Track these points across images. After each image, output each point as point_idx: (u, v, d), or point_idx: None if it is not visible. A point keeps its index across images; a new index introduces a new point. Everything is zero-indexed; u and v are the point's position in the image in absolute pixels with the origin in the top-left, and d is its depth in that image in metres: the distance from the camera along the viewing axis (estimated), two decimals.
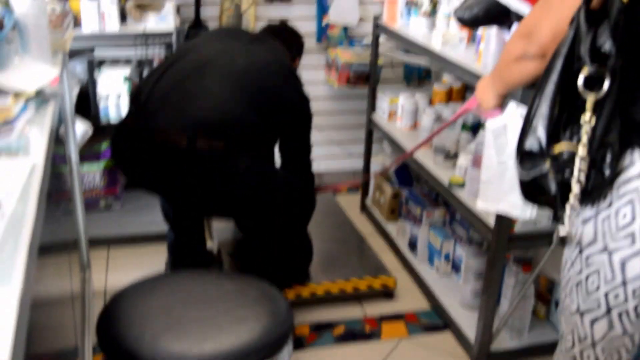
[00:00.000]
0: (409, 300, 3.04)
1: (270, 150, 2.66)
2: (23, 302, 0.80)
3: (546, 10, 1.44)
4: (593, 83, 1.27)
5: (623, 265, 1.32)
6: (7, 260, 0.87)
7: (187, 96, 2.38)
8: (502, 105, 1.86)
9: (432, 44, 2.85)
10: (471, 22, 2.24)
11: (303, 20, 3.78)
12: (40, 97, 1.51)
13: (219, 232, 3.28)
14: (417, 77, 4.00)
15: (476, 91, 1.93)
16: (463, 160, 2.70)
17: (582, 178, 1.29)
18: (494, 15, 2.19)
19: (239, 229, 3.05)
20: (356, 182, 3.77)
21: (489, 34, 2.41)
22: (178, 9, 3.36)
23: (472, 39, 2.82)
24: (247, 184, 2.42)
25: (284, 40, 2.79)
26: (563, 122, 1.32)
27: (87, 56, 3.16)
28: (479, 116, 1.95)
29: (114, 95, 3.24)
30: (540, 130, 1.33)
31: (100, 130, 3.15)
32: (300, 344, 2.67)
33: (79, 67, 3.22)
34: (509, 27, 2.20)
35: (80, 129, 2.68)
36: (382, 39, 3.50)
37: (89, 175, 3.45)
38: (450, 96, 3.35)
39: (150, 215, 3.45)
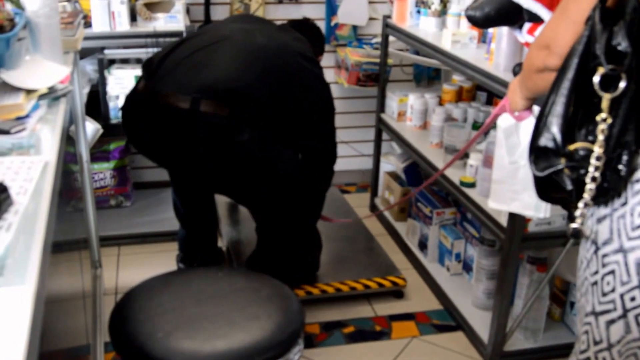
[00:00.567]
0: (420, 300, 3.03)
1: (282, 133, 2.55)
2: (37, 300, 0.79)
3: (564, 20, 1.40)
4: (609, 82, 1.25)
5: (639, 266, 1.30)
6: (21, 257, 0.87)
7: (198, 64, 2.34)
8: (531, 107, 1.84)
9: (442, 43, 2.84)
10: (482, 22, 2.22)
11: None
12: (52, 96, 1.51)
13: (228, 232, 3.29)
14: (427, 77, 3.99)
15: (508, 92, 1.90)
16: (474, 160, 2.69)
17: (597, 175, 1.27)
18: (505, 14, 2.18)
19: (252, 217, 2.97)
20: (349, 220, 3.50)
21: (500, 33, 2.40)
22: (188, 9, 3.37)
23: (482, 39, 2.81)
24: (248, 156, 2.35)
25: (306, 34, 2.76)
26: (578, 121, 1.30)
27: (97, 56, 3.17)
28: (512, 117, 1.93)
29: (124, 95, 3.23)
30: (554, 129, 1.31)
31: (111, 129, 3.15)
32: (310, 342, 2.67)
33: (89, 67, 3.23)
34: (520, 26, 2.19)
35: (91, 128, 2.69)
36: (392, 38, 3.49)
37: (100, 174, 3.46)
38: (460, 96, 3.34)
39: (160, 214, 3.45)
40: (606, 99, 1.25)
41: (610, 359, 1.43)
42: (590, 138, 1.28)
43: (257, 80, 2.33)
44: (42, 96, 1.48)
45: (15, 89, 1.42)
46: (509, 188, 1.95)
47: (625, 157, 1.27)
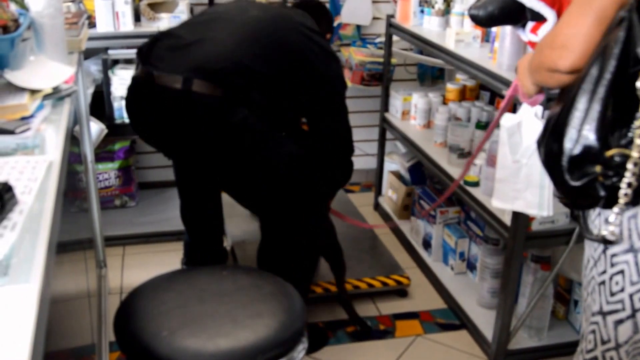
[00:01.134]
0: (423, 298, 3.03)
1: (284, 117, 2.43)
2: (42, 299, 0.80)
3: (586, 18, 1.30)
4: None
5: None
6: (26, 256, 0.87)
7: (192, 43, 2.26)
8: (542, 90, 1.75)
9: (445, 43, 2.84)
10: (486, 21, 2.22)
11: None
12: (56, 96, 1.51)
13: (232, 231, 3.29)
14: (431, 76, 3.99)
15: (517, 74, 1.82)
16: (478, 159, 2.69)
17: (634, 181, 1.23)
18: (508, 13, 2.17)
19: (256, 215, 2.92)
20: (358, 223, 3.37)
21: (504, 32, 2.40)
22: (191, 9, 3.37)
23: (486, 38, 2.82)
24: (243, 139, 2.22)
25: (312, 12, 2.59)
26: (612, 125, 1.26)
27: (101, 56, 3.18)
28: (523, 102, 1.88)
29: None
30: (591, 136, 1.25)
31: (115, 129, 3.16)
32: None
33: (94, 67, 3.24)
34: (524, 25, 2.19)
35: (95, 128, 2.69)
36: (396, 38, 3.49)
37: (104, 174, 3.47)
38: (463, 95, 3.34)
39: (165, 213, 3.46)
40: None
41: (618, 359, 1.42)
42: (623, 142, 1.24)
43: (253, 54, 2.21)
44: (46, 96, 1.48)
45: (20, 89, 1.43)
46: (512, 187, 1.95)
47: None
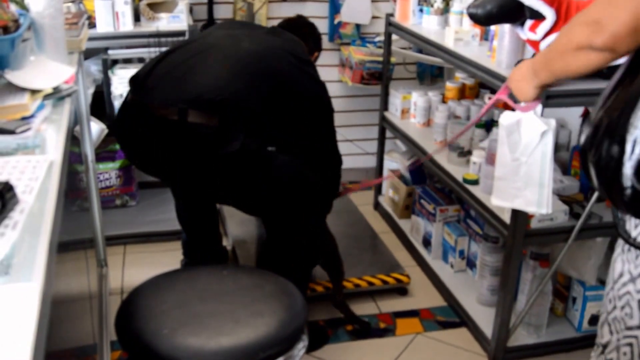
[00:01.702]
0: (423, 296, 3.04)
1: (279, 138, 2.48)
2: (44, 299, 0.80)
3: (626, 4, 1.24)
4: None
5: None
6: (28, 256, 0.87)
7: (186, 74, 2.29)
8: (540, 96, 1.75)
9: (444, 41, 2.85)
10: (484, 19, 2.23)
11: (315, 19, 3.75)
12: (57, 96, 1.52)
13: (233, 231, 3.29)
14: (430, 75, 4.00)
15: (509, 81, 1.80)
16: (477, 157, 2.70)
17: None
18: (507, 12, 2.18)
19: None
20: (369, 182, 3.71)
21: (502, 30, 2.40)
22: (191, 9, 3.38)
23: (485, 36, 2.82)
24: (240, 167, 2.27)
25: (300, 33, 2.70)
26: None
27: (101, 56, 3.18)
28: (512, 107, 1.87)
29: None
30: None
31: None
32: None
33: (94, 67, 3.24)
34: (522, 23, 2.20)
35: (96, 128, 2.70)
36: (395, 37, 3.49)
37: (105, 173, 3.48)
38: (462, 93, 3.34)
39: (165, 213, 3.46)
40: None
41: None
42: None
43: (246, 87, 2.27)
44: (47, 96, 1.48)
45: (20, 89, 1.43)
46: (512, 185, 1.95)
47: None
